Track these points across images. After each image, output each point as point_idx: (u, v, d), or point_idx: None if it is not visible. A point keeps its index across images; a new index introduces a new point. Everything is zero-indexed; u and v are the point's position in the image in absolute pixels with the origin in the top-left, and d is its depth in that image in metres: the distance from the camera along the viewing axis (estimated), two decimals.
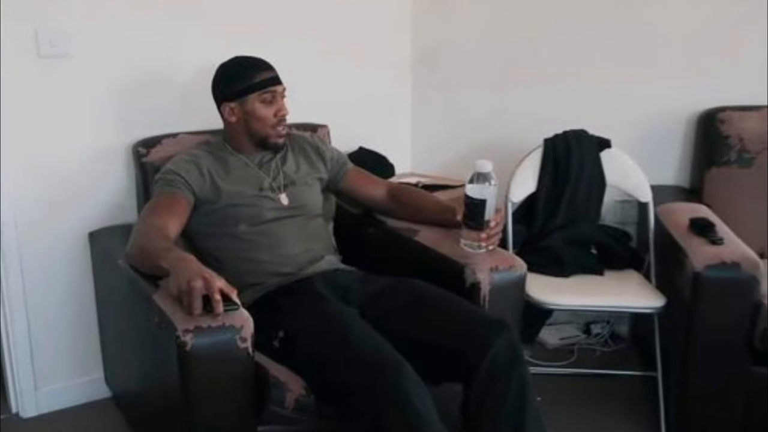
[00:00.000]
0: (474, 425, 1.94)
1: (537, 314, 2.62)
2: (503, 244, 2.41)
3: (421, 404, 1.78)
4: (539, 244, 2.74)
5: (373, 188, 2.55)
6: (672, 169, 3.06)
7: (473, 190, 2.15)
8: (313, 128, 2.76)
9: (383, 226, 2.52)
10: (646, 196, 2.74)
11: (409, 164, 3.28)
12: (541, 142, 2.81)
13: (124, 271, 2.12)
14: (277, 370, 1.93)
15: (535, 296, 2.49)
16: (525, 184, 2.79)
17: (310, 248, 2.31)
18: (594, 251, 2.77)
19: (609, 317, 3.20)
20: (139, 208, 2.48)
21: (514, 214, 2.77)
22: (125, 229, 2.28)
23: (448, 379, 1.99)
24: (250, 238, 2.26)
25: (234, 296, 1.83)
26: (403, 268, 2.31)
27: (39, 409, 2.67)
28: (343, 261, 2.40)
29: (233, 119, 2.31)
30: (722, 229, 2.48)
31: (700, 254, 2.33)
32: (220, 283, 1.80)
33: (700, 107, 2.94)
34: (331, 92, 2.94)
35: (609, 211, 3.00)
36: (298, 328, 2.02)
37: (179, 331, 1.76)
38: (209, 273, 1.81)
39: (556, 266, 2.66)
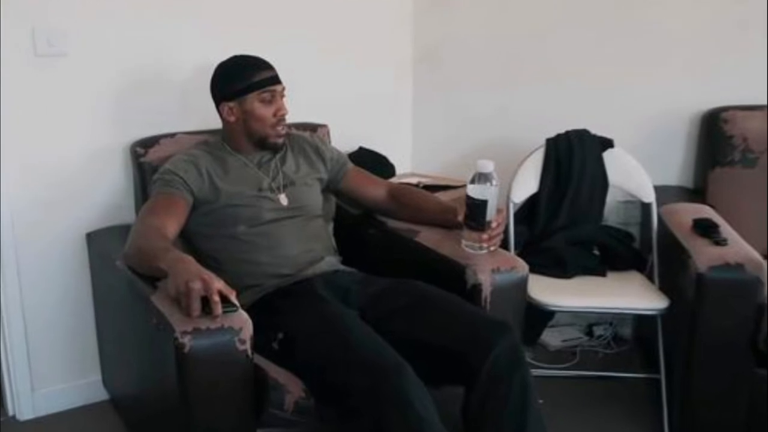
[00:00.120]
0: (475, 428, 1.94)
1: (539, 316, 2.61)
2: (505, 245, 2.42)
3: (422, 407, 1.77)
4: (541, 245, 2.74)
5: (373, 188, 2.55)
6: (675, 169, 3.06)
7: (474, 191, 2.14)
8: (312, 128, 2.75)
9: (384, 227, 2.51)
10: (649, 197, 2.73)
11: (409, 164, 3.27)
12: (543, 141, 2.81)
13: (121, 272, 2.12)
14: (276, 372, 1.93)
15: (536, 297, 2.48)
16: (527, 184, 2.79)
17: (310, 249, 2.31)
18: (596, 252, 2.77)
19: (612, 319, 3.19)
20: (137, 209, 2.47)
21: (515, 214, 2.77)
22: (123, 230, 2.28)
23: (449, 381, 1.98)
24: (249, 239, 2.25)
25: (233, 298, 1.83)
26: (404, 269, 2.30)
27: (36, 411, 2.66)
28: (343, 262, 2.39)
29: (232, 119, 2.30)
30: (726, 229, 2.47)
31: (703, 255, 2.33)
32: (218, 284, 1.79)
33: (703, 107, 2.94)
34: (331, 91, 2.93)
35: (612, 212, 3.00)
36: (297, 330, 2.02)
37: (177, 332, 1.75)
38: (208, 274, 1.81)
39: (558, 267, 2.66)
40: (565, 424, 2.54)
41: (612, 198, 2.87)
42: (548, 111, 3.02)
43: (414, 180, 2.96)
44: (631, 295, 2.59)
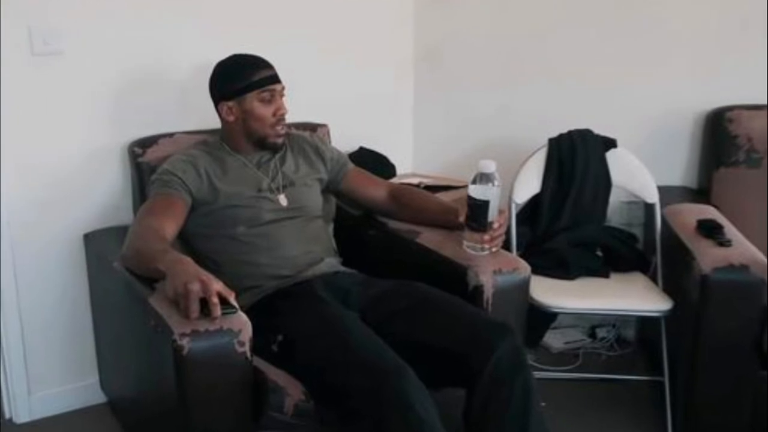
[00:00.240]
0: (477, 431, 1.92)
1: (541, 318, 2.61)
2: (507, 246, 2.44)
3: (423, 409, 1.76)
4: (543, 246, 2.73)
5: (374, 189, 2.54)
6: (679, 170, 3.05)
7: (476, 191, 2.13)
8: (312, 128, 2.75)
9: (384, 228, 2.51)
10: (653, 197, 2.72)
11: (410, 164, 3.27)
12: (545, 141, 2.80)
13: (119, 273, 2.11)
14: (275, 375, 1.92)
15: (539, 299, 2.48)
16: (529, 184, 2.79)
17: (310, 250, 2.30)
18: (599, 253, 2.76)
19: (615, 321, 3.19)
20: (135, 210, 2.47)
21: (517, 215, 2.77)
22: (121, 231, 2.28)
23: (450, 384, 1.97)
24: (249, 240, 2.25)
25: (232, 299, 1.82)
26: (405, 270, 2.30)
27: (32, 414, 2.65)
28: (344, 263, 2.38)
29: (231, 118, 2.30)
30: (730, 230, 2.46)
31: (707, 256, 2.32)
32: (217, 285, 1.79)
33: (707, 106, 2.94)
34: (331, 91, 2.93)
35: (615, 213, 2.99)
36: (297, 332, 2.01)
37: (176, 334, 1.74)
38: (206, 275, 1.80)
39: (561, 269, 2.65)
40: (567, 427, 2.53)
41: (615, 198, 2.87)
42: (551, 110, 3.02)
43: (415, 180, 2.96)
44: (634, 297, 2.58)
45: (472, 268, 2.16)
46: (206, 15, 2.64)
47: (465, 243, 2.20)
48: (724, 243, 2.36)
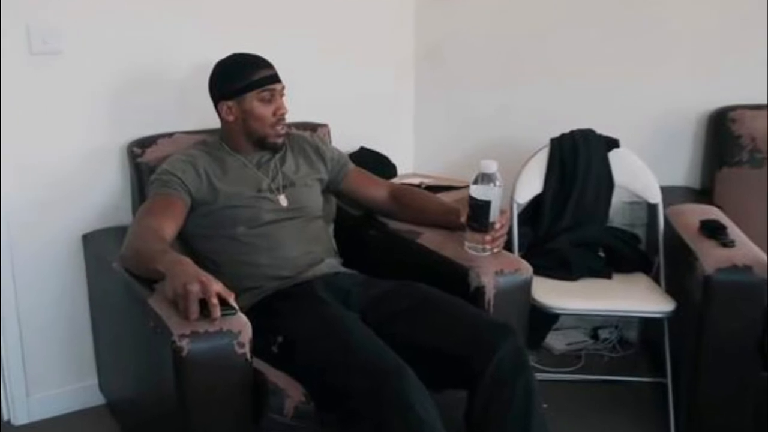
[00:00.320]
0: None
1: (543, 319, 2.61)
2: (508, 246, 2.45)
3: (424, 411, 1.75)
4: (545, 247, 2.73)
5: (374, 189, 2.53)
6: (682, 170, 3.05)
7: (478, 191, 2.13)
8: (312, 127, 2.74)
9: (385, 229, 2.50)
10: (656, 198, 2.72)
11: (411, 164, 3.26)
12: (547, 141, 2.80)
13: (118, 274, 2.11)
14: (275, 377, 1.91)
15: (541, 300, 2.48)
16: (531, 184, 2.78)
17: (310, 251, 2.29)
18: (602, 254, 2.76)
19: (617, 322, 3.18)
20: (134, 210, 2.47)
21: (519, 215, 2.76)
22: (120, 231, 2.28)
23: (452, 385, 1.97)
24: (249, 240, 2.24)
25: (231, 300, 1.81)
26: (406, 271, 2.29)
27: (31, 416, 2.65)
28: (344, 264, 2.37)
29: (231, 118, 2.29)
30: (734, 231, 2.46)
31: (711, 257, 2.31)
32: (217, 286, 1.78)
33: (710, 106, 2.93)
34: (331, 90, 2.92)
35: (617, 213, 2.99)
36: (297, 333, 2.00)
37: (175, 336, 1.74)
38: (206, 276, 1.79)
39: (563, 269, 2.65)
40: (569, 429, 2.53)
41: (617, 199, 2.86)
42: (553, 110, 3.01)
43: (416, 180, 2.95)
44: (637, 298, 2.57)
45: (473, 269, 2.16)
46: (206, 14, 2.63)
47: (466, 244, 2.20)
48: (727, 243, 2.35)
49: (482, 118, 3.13)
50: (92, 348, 2.67)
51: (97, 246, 2.47)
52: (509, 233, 2.36)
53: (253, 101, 2.25)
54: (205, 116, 2.38)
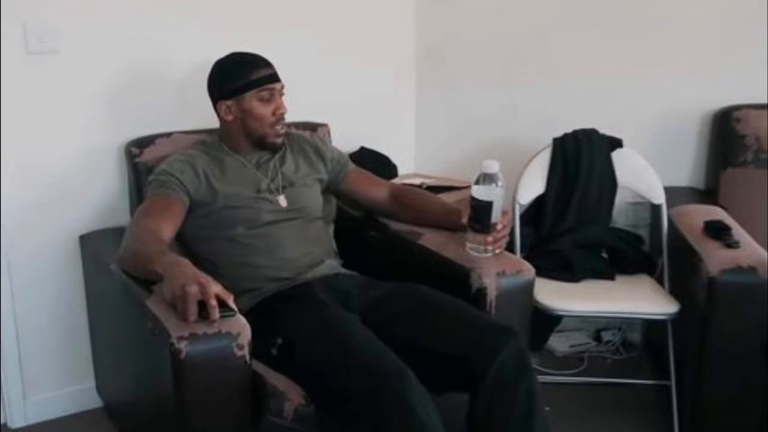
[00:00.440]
0: None
1: (545, 321, 2.61)
2: (510, 247, 2.44)
3: (425, 414, 1.75)
4: (548, 248, 2.73)
5: (375, 190, 2.52)
6: (686, 170, 3.05)
7: (479, 192, 2.12)
8: (312, 127, 2.74)
9: (386, 229, 2.50)
10: (659, 198, 2.72)
11: (412, 164, 3.26)
12: (550, 141, 2.80)
13: (116, 275, 2.11)
14: (275, 379, 1.91)
15: (543, 302, 2.47)
16: (533, 185, 2.78)
17: (310, 252, 2.29)
18: (605, 255, 2.76)
19: (620, 324, 3.18)
20: (132, 211, 2.46)
21: (521, 216, 2.76)
22: (117, 232, 2.28)
23: (453, 388, 1.96)
24: (248, 241, 2.23)
25: (230, 302, 1.81)
26: (407, 272, 2.29)
27: (27, 419, 2.64)
28: (345, 265, 2.37)
29: (230, 118, 2.28)
30: (738, 232, 2.46)
31: (715, 258, 2.31)
32: (216, 288, 1.78)
33: (714, 105, 2.93)
34: (331, 90, 2.92)
35: (620, 214, 2.99)
36: (296, 335, 2.00)
37: (173, 338, 1.73)
38: (205, 278, 1.79)
39: (566, 271, 2.64)
40: None
41: (621, 199, 2.86)
42: (555, 110, 3.01)
43: (417, 181, 2.95)
44: (640, 300, 2.57)
45: (475, 270, 2.15)
46: (206, 14, 2.63)
47: (468, 245, 2.19)
48: (731, 244, 2.35)
49: (483, 118, 3.13)
50: (89, 350, 2.66)
51: (95, 247, 2.46)
52: (511, 234, 2.35)
53: (253, 101, 2.24)
54: (204, 116, 2.37)
